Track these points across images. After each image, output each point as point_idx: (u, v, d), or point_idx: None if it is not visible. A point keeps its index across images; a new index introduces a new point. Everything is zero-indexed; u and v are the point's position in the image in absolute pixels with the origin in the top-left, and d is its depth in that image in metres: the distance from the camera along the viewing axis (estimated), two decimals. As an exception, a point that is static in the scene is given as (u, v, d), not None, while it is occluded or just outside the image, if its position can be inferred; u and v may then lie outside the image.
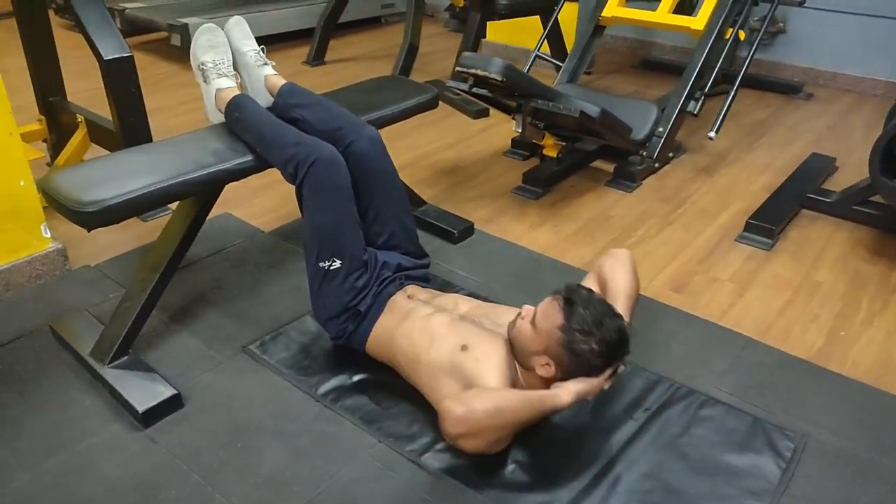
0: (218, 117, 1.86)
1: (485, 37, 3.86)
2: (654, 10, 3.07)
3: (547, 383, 1.43)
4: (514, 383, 1.47)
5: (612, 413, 1.62)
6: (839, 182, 2.71)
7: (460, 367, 1.47)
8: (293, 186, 1.70)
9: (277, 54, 2.01)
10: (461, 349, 1.49)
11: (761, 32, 2.96)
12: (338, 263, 1.66)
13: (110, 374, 1.65)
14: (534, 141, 2.62)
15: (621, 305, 1.51)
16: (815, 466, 1.49)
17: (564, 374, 1.40)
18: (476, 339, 1.50)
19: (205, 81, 1.85)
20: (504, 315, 1.59)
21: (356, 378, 1.71)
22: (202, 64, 1.84)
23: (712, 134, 2.75)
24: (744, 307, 2.03)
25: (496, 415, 1.29)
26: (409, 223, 1.84)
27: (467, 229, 2.33)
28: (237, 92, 1.83)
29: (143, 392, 1.60)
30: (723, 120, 2.76)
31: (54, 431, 1.56)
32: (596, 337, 1.37)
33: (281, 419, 1.61)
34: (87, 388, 1.68)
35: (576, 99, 2.34)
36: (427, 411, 1.59)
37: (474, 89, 2.39)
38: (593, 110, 2.30)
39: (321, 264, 1.66)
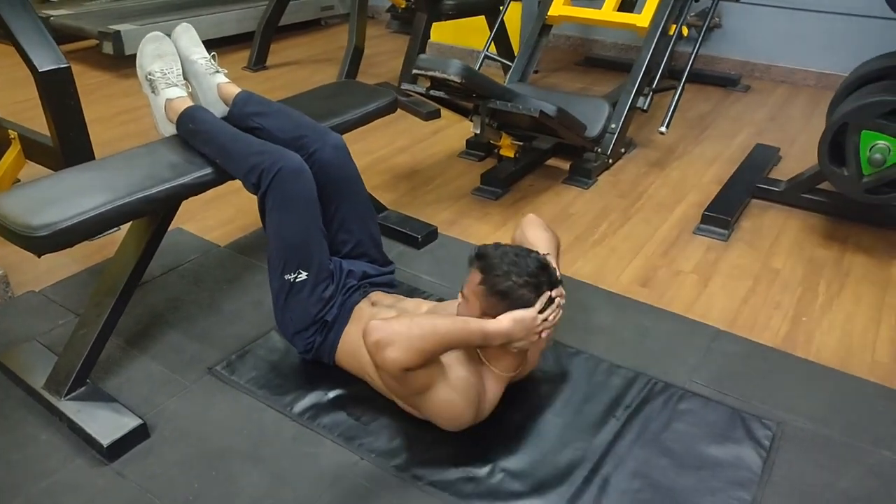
0: (169, 129, 1.78)
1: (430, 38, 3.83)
2: (600, 8, 3.11)
3: (515, 358, 1.45)
4: (479, 366, 1.46)
5: (593, 412, 1.61)
6: (785, 171, 2.79)
7: None
8: (251, 197, 1.64)
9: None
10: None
11: (704, 28, 3.02)
12: (304, 275, 1.60)
13: (68, 407, 1.55)
14: (491, 141, 2.60)
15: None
16: (793, 453, 1.52)
17: None
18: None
19: (153, 92, 1.76)
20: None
21: (331, 394, 1.66)
22: (150, 74, 1.75)
23: (663, 129, 2.79)
24: (709, 298, 2.06)
25: (414, 325, 1.29)
26: (374, 231, 1.80)
27: (431, 233, 2.29)
28: (189, 102, 1.75)
29: (106, 424, 1.51)
30: (672, 114, 2.81)
31: (10, 472, 1.45)
32: (514, 271, 1.38)
33: (256, 443, 1.54)
34: (42, 424, 1.57)
35: (533, 98, 2.34)
36: (406, 423, 1.56)
37: (431, 92, 2.35)
38: (551, 109, 2.30)
39: (287, 277, 1.60)
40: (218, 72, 1.85)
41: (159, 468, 1.47)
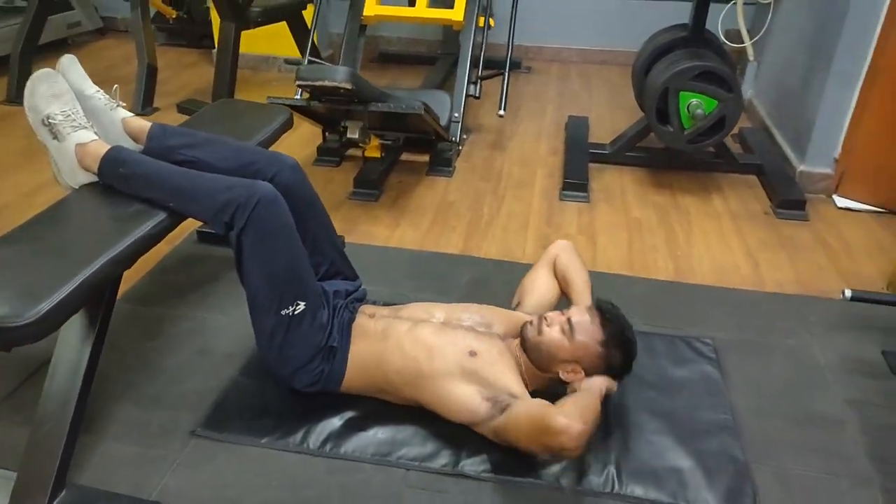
0: (83, 178, 1.53)
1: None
2: (413, 5, 3.25)
3: (556, 382, 1.56)
4: (522, 379, 1.55)
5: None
6: (597, 136, 3.22)
7: (475, 372, 1.50)
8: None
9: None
10: (470, 355, 1.51)
11: (513, 18, 3.30)
12: (302, 306, 1.53)
13: (61, 518, 1.31)
14: (360, 144, 2.62)
15: (587, 296, 1.69)
16: (732, 359, 1.85)
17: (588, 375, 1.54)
18: (479, 344, 1.54)
19: (56, 139, 1.50)
20: (478, 313, 1.66)
21: (340, 419, 1.61)
22: (49, 118, 1.49)
23: (501, 111, 3.05)
24: (603, 253, 2.36)
25: (591, 417, 1.36)
26: (340, 246, 1.76)
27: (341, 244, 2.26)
28: (104, 144, 1.53)
29: (122, 521, 1.31)
30: (506, 97, 3.07)
31: None
32: (625, 353, 1.54)
33: (293, 488, 1.45)
34: (26, 549, 1.30)
35: (408, 98, 2.41)
36: (426, 425, 1.58)
37: (312, 103, 2.30)
38: (421, 106, 2.40)
39: (284, 312, 1.51)
40: (118, 105, 1.63)
41: (205, 547, 1.33)
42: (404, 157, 3.02)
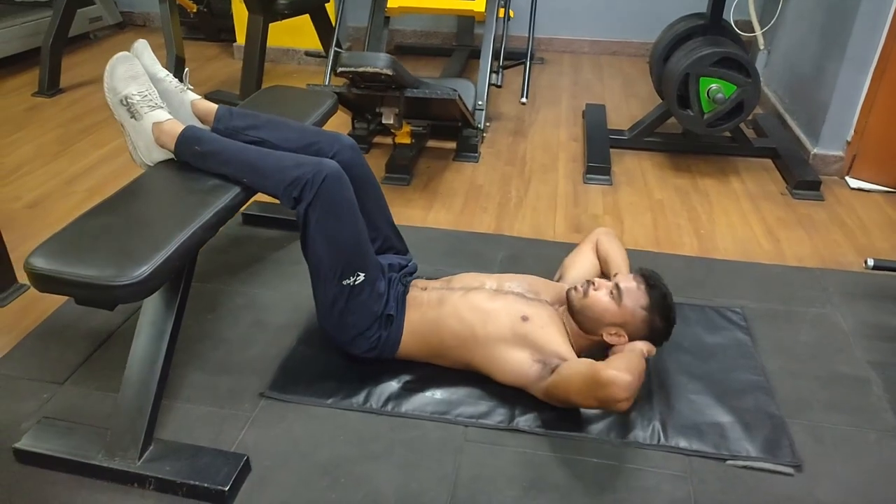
0: (158, 155, 1.63)
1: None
2: (435, -3, 3.35)
3: (599, 345, 1.66)
4: (570, 343, 1.65)
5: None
6: (614, 122, 3.33)
7: (526, 336, 1.60)
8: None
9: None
10: (522, 320, 1.62)
11: (533, 9, 3.41)
12: (362, 277, 1.63)
13: (153, 469, 1.41)
14: (393, 130, 2.72)
15: (627, 273, 1.78)
16: (760, 326, 1.96)
17: (630, 340, 1.64)
18: (531, 310, 1.64)
19: (133, 118, 1.60)
20: (525, 283, 1.76)
21: (397, 382, 1.72)
22: (127, 98, 1.59)
23: (524, 99, 3.16)
24: (630, 231, 2.47)
25: (636, 371, 1.46)
26: (393, 223, 1.86)
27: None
28: (180, 123, 1.63)
29: (210, 470, 1.41)
30: (528, 87, 3.18)
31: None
32: (666, 319, 1.64)
33: (360, 443, 1.55)
34: (117, 499, 1.40)
35: (440, 86, 2.51)
36: (480, 387, 1.68)
37: (352, 90, 2.40)
38: (455, 93, 2.50)
39: (346, 282, 1.61)
40: (188, 89, 1.73)
41: (287, 493, 1.43)
42: (430, 143, 3.12)
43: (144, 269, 1.24)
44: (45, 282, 1.25)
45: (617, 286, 1.63)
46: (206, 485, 1.38)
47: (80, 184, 2.71)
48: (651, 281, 1.64)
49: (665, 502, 1.43)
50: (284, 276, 2.15)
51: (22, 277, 2.05)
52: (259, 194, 1.67)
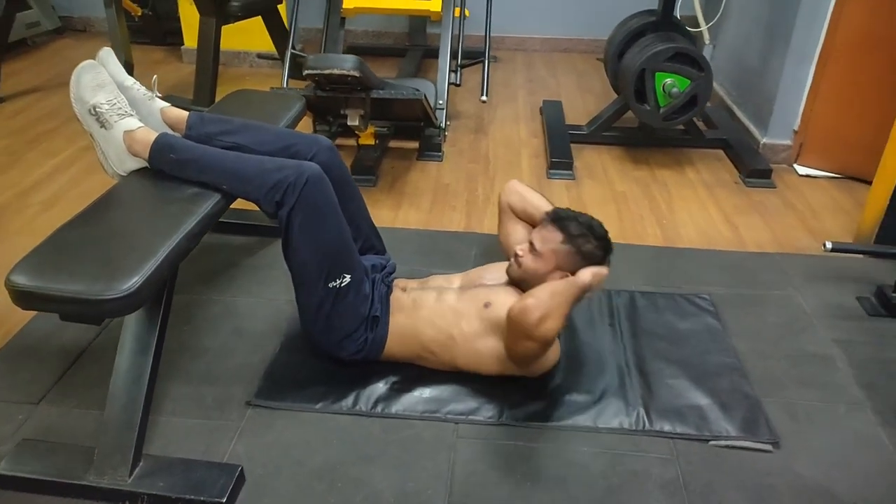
0: (131, 164, 1.59)
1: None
2: (389, -3, 3.35)
3: None
4: None
5: (598, 329, 1.95)
6: (572, 118, 3.39)
7: (491, 321, 1.62)
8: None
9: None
10: (485, 307, 1.64)
11: (489, 8, 3.44)
12: (348, 279, 1.63)
13: (145, 485, 1.38)
14: (358, 132, 2.71)
15: (547, 208, 1.81)
16: (728, 311, 2.04)
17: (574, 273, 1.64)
18: (492, 295, 1.67)
19: (103, 127, 1.55)
20: (489, 272, 1.79)
21: (384, 384, 1.72)
22: (95, 107, 1.54)
23: (484, 97, 3.18)
24: (597, 224, 2.52)
25: (553, 295, 1.48)
26: (373, 223, 1.86)
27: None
28: (152, 132, 1.59)
29: (205, 484, 1.39)
30: (487, 84, 3.21)
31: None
32: (594, 235, 1.68)
33: (353, 447, 1.56)
34: (113, 517, 1.37)
35: (406, 86, 2.52)
36: (466, 384, 1.71)
37: (317, 92, 2.38)
38: (421, 93, 2.52)
39: (332, 285, 1.61)
40: (156, 96, 1.69)
41: (285, 502, 1.42)
42: (393, 144, 3.12)
43: (135, 282, 1.22)
44: (29, 299, 1.21)
45: (530, 243, 1.68)
46: (202, 498, 1.36)
47: (35, 196, 2.61)
48: (554, 216, 1.69)
49: (656, 485, 1.48)
50: (260, 282, 2.12)
51: (-18, 296, 1.96)
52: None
